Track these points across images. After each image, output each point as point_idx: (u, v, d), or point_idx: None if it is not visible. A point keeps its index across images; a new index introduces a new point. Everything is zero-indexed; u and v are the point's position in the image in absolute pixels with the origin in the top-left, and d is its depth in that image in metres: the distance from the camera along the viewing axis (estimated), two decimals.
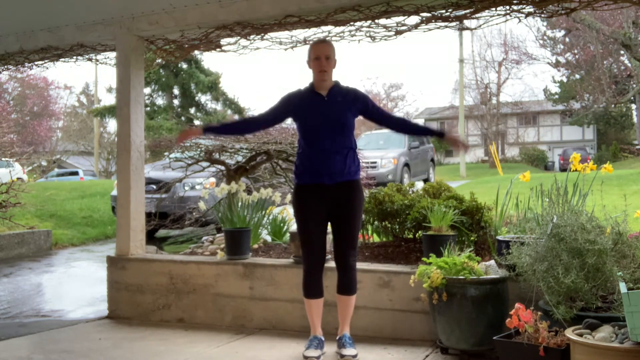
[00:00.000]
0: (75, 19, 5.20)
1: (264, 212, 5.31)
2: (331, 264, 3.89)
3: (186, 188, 8.66)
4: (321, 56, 3.62)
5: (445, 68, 72.09)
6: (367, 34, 4.56)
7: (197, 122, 27.23)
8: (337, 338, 3.68)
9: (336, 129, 3.59)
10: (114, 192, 8.76)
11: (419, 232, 4.50)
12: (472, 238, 4.37)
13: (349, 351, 3.56)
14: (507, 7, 4.07)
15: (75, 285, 6.85)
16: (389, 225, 4.88)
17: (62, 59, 5.74)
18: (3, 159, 10.67)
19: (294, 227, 4.79)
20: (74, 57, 5.75)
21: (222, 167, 6.76)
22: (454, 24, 4.31)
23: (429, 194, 4.84)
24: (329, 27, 4.56)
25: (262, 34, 4.77)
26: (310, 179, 3.60)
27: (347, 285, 3.65)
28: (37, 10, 5.11)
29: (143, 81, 5.28)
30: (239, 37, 4.88)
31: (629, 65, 24.29)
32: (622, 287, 2.64)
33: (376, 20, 4.39)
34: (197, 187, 8.75)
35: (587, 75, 28.46)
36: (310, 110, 3.62)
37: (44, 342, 4.26)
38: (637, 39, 16.62)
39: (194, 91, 28.14)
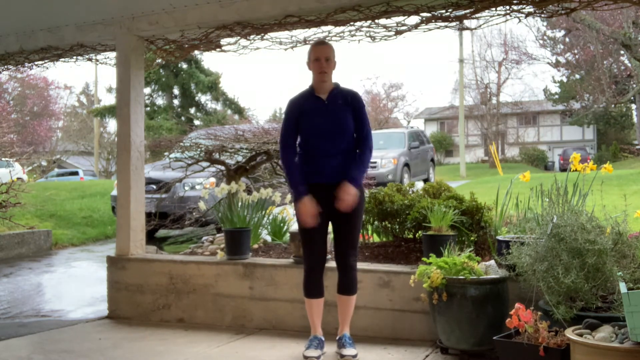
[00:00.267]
0: (75, 19, 5.20)
1: (264, 212, 5.31)
2: (331, 263, 3.90)
3: (186, 188, 8.66)
4: (321, 58, 3.62)
5: (445, 68, 72.21)
6: (367, 34, 4.56)
7: (197, 122, 27.21)
8: (337, 338, 3.69)
9: (337, 133, 3.60)
10: (114, 192, 8.76)
11: (419, 232, 4.50)
12: (472, 238, 4.37)
13: (349, 351, 3.56)
14: (507, 7, 4.07)
15: (75, 285, 6.85)
16: (389, 225, 4.88)
17: (62, 59, 5.74)
18: (3, 159, 10.67)
19: (293, 227, 4.80)
20: (74, 57, 5.75)
21: (222, 167, 6.75)
22: (454, 24, 4.31)
23: (429, 194, 4.84)
24: (329, 27, 4.56)
25: (262, 34, 4.77)
26: (312, 180, 3.61)
27: (347, 285, 3.65)
28: (37, 10, 5.11)
29: (143, 81, 5.28)
30: (239, 37, 4.88)
31: (629, 65, 24.29)
32: (622, 287, 2.64)
33: (376, 20, 4.39)
34: (197, 187, 8.74)
35: (587, 75, 28.47)
36: (310, 114, 3.63)
37: (44, 342, 4.26)
38: (637, 39, 16.62)
39: (194, 91, 28.18)
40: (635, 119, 34.80)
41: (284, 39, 4.83)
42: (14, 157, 11.33)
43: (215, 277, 4.61)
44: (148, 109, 26.66)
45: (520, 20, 4.22)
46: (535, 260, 3.14)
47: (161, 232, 9.47)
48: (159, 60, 5.84)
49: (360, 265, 3.95)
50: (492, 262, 3.75)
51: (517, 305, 3.01)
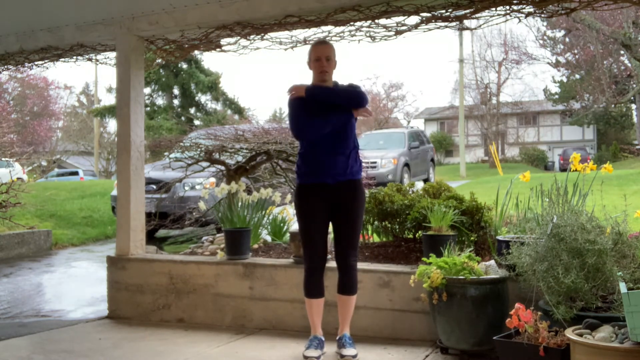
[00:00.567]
0: (75, 19, 5.20)
1: (264, 212, 5.31)
2: (331, 263, 3.90)
3: (186, 188, 8.66)
4: (322, 57, 3.63)
5: (445, 68, 72.22)
6: (367, 34, 4.56)
7: (197, 122, 27.21)
8: (337, 338, 3.69)
9: (338, 131, 3.60)
10: (114, 192, 8.76)
11: (419, 232, 4.50)
12: (472, 238, 4.37)
13: (349, 351, 3.56)
14: (507, 7, 4.07)
15: (75, 285, 6.85)
16: (389, 225, 4.88)
17: (62, 59, 5.74)
18: (3, 159, 10.67)
19: (294, 227, 4.80)
20: (74, 57, 5.74)
21: (222, 167, 6.75)
22: (454, 24, 4.31)
23: (429, 194, 4.84)
24: (329, 27, 4.56)
25: (262, 34, 4.77)
26: (312, 179, 3.61)
27: (347, 286, 3.65)
28: (37, 10, 5.11)
29: (143, 81, 5.28)
30: (239, 37, 4.88)
31: (629, 65, 24.30)
32: (622, 287, 2.64)
33: (376, 20, 4.39)
34: (197, 187, 8.74)
35: (587, 75, 28.46)
36: (312, 114, 3.61)
37: (44, 342, 4.26)
38: (637, 39, 16.62)
39: (194, 91, 28.16)
40: (635, 119, 34.80)
41: (284, 39, 4.83)
42: (14, 157, 11.33)
43: (215, 277, 4.61)
44: (148, 109, 26.65)
45: (520, 20, 4.22)
46: (535, 260, 3.14)
47: (161, 232, 9.47)
48: (159, 60, 5.84)
49: (360, 265, 3.95)
50: (492, 262, 3.75)
51: (517, 305, 3.01)
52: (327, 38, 4.64)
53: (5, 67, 6.15)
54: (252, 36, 4.81)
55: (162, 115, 27.28)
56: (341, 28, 4.55)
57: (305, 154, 3.67)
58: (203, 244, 5.95)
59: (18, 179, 9.90)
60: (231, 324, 4.52)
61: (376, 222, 4.92)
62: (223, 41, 5.11)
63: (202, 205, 5.62)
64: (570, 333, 2.75)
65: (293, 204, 3.78)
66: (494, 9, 4.12)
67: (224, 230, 4.78)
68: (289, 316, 4.34)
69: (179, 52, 5.44)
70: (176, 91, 28.48)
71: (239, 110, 28.58)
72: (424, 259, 3.72)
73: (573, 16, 13.42)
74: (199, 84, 27.50)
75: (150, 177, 8.13)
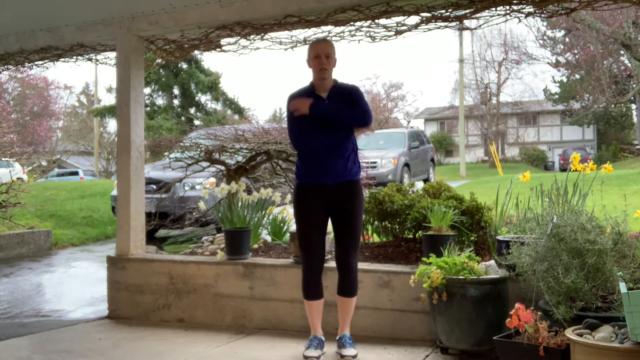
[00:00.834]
0: (75, 19, 5.20)
1: (264, 212, 5.31)
2: (331, 263, 3.90)
3: (186, 188, 8.66)
4: (321, 54, 3.60)
5: (445, 68, 72.19)
6: (367, 34, 4.56)
7: (197, 122, 27.22)
8: (337, 338, 3.69)
9: (337, 131, 3.59)
10: (114, 192, 8.76)
11: (419, 232, 4.50)
12: (472, 238, 4.37)
13: (349, 351, 3.56)
14: (507, 7, 4.07)
15: (75, 285, 6.85)
16: (389, 225, 4.88)
17: (62, 59, 5.74)
18: (3, 159, 10.67)
19: (294, 227, 4.79)
20: (74, 57, 5.74)
21: (222, 167, 6.75)
22: (454, 24, 4.31)
23: (429, 194, 4.84)
24: (329, 27, 4.56)
25: (262, 34, 4.77)
26: (311, 180, 3.60)
27: (348, 287, 3.64)
28: (37, 10, 5.11)
29: (143, 81, 5.28)
30: (239, 37, 4.88)
31: (629, 65, 24.30)
32: (622, 287, 2.64)
33: (376, 20, 4.39)
34: (197, 187, 8.74)
35: (587, 75, 28.46)
36: (312, 115, 3.57)
37: (44, 342, 4.26)
38: (637, 39, 16.62)
39: (194, 91, 28.17)
40: (635, 119, 34.80)
41: (284, 39, 4.83)
42: (14, 157, 11.33)
43: (215, 277, 4.61)
44: (148, 109, 26.65)
45: (520, 20, 4.22)
46: (535, 260, 3.14)
47: (161, 232, 9.47)
48: (159, 60, 5.84)
49: (360, 265, 3.95)
50: (492, 262, 3.75)
51: (517, 305, 3.01)
52: (327, 38, 4.63)
53: (5, 67, 6.15)
54: (252, 36, 4.81)
55: (162, 115, 27.29)
56: (341, 28, 4.55)
57: (304, 156, 3.66)
58: (203, 244, 5.95)
59: (18, 179, 9.90)
60: (231, 324, 4.52)
61: (376, 222, 4.92)
62: (223, 41, 5.11)
63: (202, 205, 5.62)
64: (570, 333, 2.75)
65: (292, 204, 3.78)
66: (494, 9, 4.12)
67: (224, 230, 4.78)
68: (289, 316, 4.34)
69: (179, 52, 5.44)
70: (176, 91, 28.48)
71: (239, 110, 28.59)
72: (424, 259, 3.72)
73: (573, 16, 13.42)
74: (199, 84, 27.51)
75: (150, 177, 8.13)
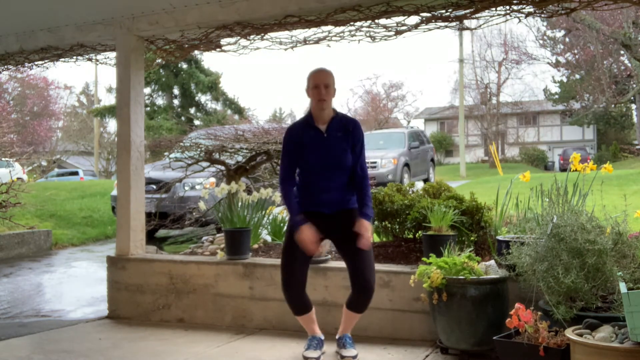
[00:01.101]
0: (75, 19, 5.20)
1: (264, 212, 5.30)
2: (332, 263, 3.88)
3: (186, 188, 8.66)
4: (320, 85, 3.50)
5: (445, 68, 72.23)
6: (367, 34, 4.56)
7: (197, 122, 27.22)
8: (337, 337, 3.68)
9: (336, 168, 3.51)
10: (114, 192, 8.76)
11: (419, 232, 4.50)
12: (472, 238, 4.37)
13: (349, 352, 3.55)
14: (507, 7, 4.07)
15: (75, 285, 6.85)
16: (389, 225, 4.88)
17: (62, 59, 5.74)
18: (3, 159, 10.68)
19: None
20: (74, 57, 5.75)
21: (222, 167, 6.75)
22: (454, 24, 4.31)
23: (429, 194, 4.84)
24: (329, 27, 4.56)
25: (262, 34, 4.77)
26: (309, 207, 3.53)
27: (362, 306, 3.55)
28: (37, 10, 5.11)
29: (143, 81, 5.28)
30: (239, 37, 4.88)
31: (629, 65, 24.31)
32: (622, 287, 2.64)
33: (376, 20, 4.39)
34: (197, 187, 8.74)
35: (587, 75, 28.48)
36: (309, 148, 3.52)
37: (44, 342, 4.26)
38: (637, 39, 16.63)
39: (194, 91, 28.18)
40: (635, 119, 34.80)
41: (284, 39, 4.83)
42: (14, 157, 11.34)
43: (215, 277, 4.61)
44: (148, 109, 26.67)
45: (520, 20, 4.22)
46: (535, 260, 3.14)
47: (161, 232, 9.47)
48: (159, 60, 5.84)
49: None
50: (492, 262, 3.75)
51: (517, 305, 3.01)
52: (327, 38, 4.64)
53: (5, 67, 6.15)
54: (252, 36, 4.81)
55: (162, 115, 27.30)
56: (341, 28, 4.55)
57: (302, 187, 3.58)
58: (203, 244, 5.95)
59: (18, 179, 9.91)
60: (231, 324, 4.52)
61: (376, 222, 4.92)
62: (223, 41, 5.11)
63: (202, 205, 5.62)
64: (570, 333, 2.75)
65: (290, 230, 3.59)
66: (494, 9, 4.12)
67: (224, 230, 4.78)
68: (289, 316, 4.32)
69: (179, 52, 5.44)
70: (176, 91, 28.50)
71: (239, 110, 28.60)
72: (424, 259, 3.72)
73: (573, 16, 13.42)
74: (199, 84, 27.52)
75: (150, 177, 8.13)
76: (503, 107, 39.23)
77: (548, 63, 31.68)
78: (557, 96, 36.54)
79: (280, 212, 5.51)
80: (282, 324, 4.36)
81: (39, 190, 12.48)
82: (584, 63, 28.55)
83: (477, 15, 4.19)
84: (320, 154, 3.51)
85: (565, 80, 34.28)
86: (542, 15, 4.16)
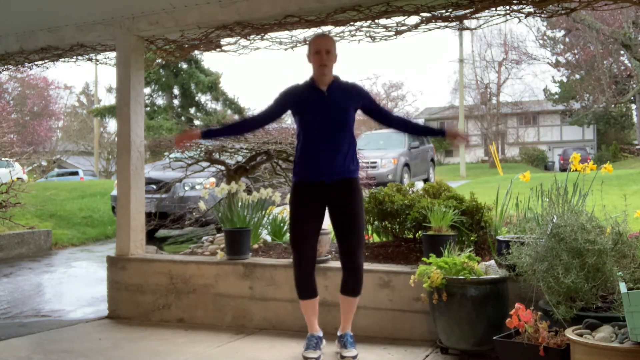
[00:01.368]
0: (75, 19, 5.20)
1: (264, 212, 5.30)
2: (332, 263, 3.89)
3: (186, 188, 8.66)
4: (321, 50, 3.54)
5: (445, 68, 72.21)
6: (367, 34, 4.56)
7: (197, 122, 27.23)
8: (339, 335, 3.67)
9: (336, 126, 3.53)
10: (114, 192, 8.76)
11: (419, 232, 4.50)
12: (472, 238, 4.37)
13: (349, 352, 3.54)
14: (507, 7, 4.07)
15: (75, 285, 6.85)
16: (389, 225, 4.88)
17: (62, 59, 5.74)
18: (3, 159, 10.68)
19: None
20: (74, 57, 5.75)
21: (222, 167, 6.76)
22: (454, 24, 4.31)
23: (429, 194, 4.84)
24: (329, 27, 4.56)
25: (262, 34, 4.77)
26: (309, 177, 3.55)
27: (354, 286, 3.57)
28: (37, 10, 5.11)
29: (143, 81, 5.28)
30: (239, 37, 4.88)
31: (629, 65, 24.31)
32: (622, 287, 2.64)
33: (376, 20, 4.39)
34: (197, 187, 8.75)
35: (587, 75, 28.47)
36: (310, 106, 3.55)
37: (44, 342, 4.26)
38: (637, 39, 16.63)
39: (194, 91, 28.15)
40: (635, 119, 34.80)
41: (284, 39, 4.83)
42: (14, 157, 11.35)
43: (215, 277, 4.61)
44: (148, 109, 26.63)
45: (520, 20, 4.22)
46: (535, 260, 3.14)
47: (161, 232, 9.47)
48: (159, 60, 5.84)
49: None
50: (492, 262, 3.75)
51: (517, 305, 3.01)
52: (327, 33, 4.63)
53: (5, 67, 6.15)
54: (252, 36, 4.81)
55: (162, 115, 27.28)
56: (341, 28, 4.55)
57: (302, 149, 3.58)
58: (203, 244, 5.95)
59: (18, 179, 9.90)
60: (231, 324, 4.52)
61: (376, 222, 4.92)
62: (223, 41, 5.11)
63: (202, 205, 5.62)
64: (570, 333, 2.75)
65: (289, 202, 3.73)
66: (494, 9, 4.12)
67: (224, 230, 4.78)
68: (289, 316, 4.34)
69: (179, 52, 5.44)
70: (176, 91, 28.47)
71: (239, 110, 28.57)
72: (424, 259, 3.72)
73: (573, 16, 13.43)
74: (199, 84, 27.49)
75: (150, 177, 8.13)
76: (503, 107, 39.23)
77: (548, 63, 31.70)
78: (557, 96, 36.54)
79: (280, 212, 5.51)
80: (282, 324, 4.36)
81: (39, 190, 12.48)
82: (584, 63, 28.54)
83: (477, 15, 4.19)
84: (322, 113, 3.53)
85: (565, 80, 34.28)
86: (542, 15, 4.16)
